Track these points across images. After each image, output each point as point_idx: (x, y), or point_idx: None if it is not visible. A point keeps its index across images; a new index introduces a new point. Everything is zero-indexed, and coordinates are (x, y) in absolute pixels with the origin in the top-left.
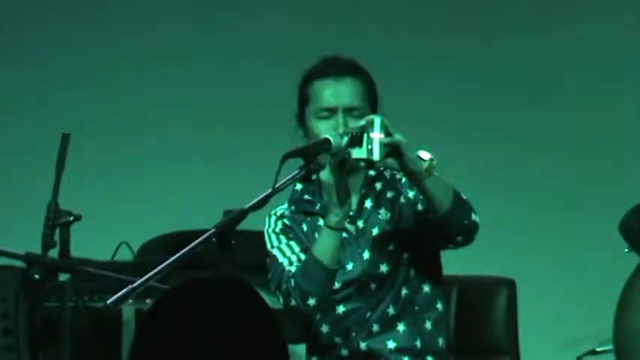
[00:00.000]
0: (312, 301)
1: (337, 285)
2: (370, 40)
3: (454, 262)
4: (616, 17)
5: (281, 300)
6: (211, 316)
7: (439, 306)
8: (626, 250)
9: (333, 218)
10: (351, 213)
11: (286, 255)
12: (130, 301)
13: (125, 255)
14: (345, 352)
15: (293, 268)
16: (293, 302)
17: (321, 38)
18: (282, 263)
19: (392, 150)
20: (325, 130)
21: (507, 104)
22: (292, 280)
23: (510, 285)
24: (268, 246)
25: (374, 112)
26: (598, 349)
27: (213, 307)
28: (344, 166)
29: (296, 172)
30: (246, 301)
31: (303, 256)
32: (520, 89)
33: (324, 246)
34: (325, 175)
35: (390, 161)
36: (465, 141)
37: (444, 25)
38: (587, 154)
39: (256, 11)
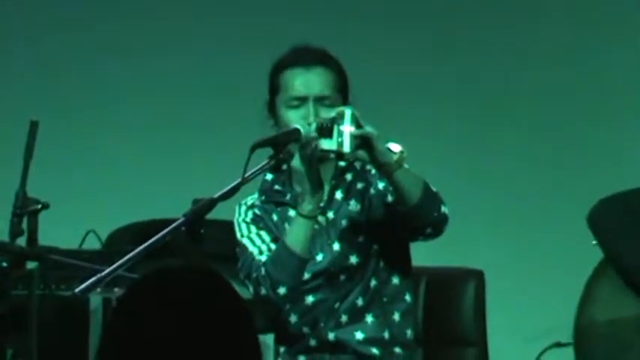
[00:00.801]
0: (282, 290)
1: (307, 276)
2: (352, 31)
3: (423, 254)
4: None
5: (250, 289)
6: (182, 305)
7: (408, 297)
8: (594, 242)
9: (307, 207)
10: (321, 204)
11: (256, 244)
12: (98, 289)
13: (93, 243)
14: (313, 342)
15: (263, 257)
16: (263, 291)
17: (296, 30)
18: (252, 252)
19: (362, 142)
20: (295, 119)
21: (479, 94)
22: (263, 269)
23: (479, 276)
24: (238, 235)
25: (345, 101)
26: (563, 342)
27: (184, 296)
28: (314, 156)
29: (265, 162)
30: (218, 290)
31: (273, 246)
32: (494, 79)
33: (297, 235)
34: (297, 162)
35: (361, 153)
36: (435, 132)
37: (436, 18)
38: (559, 144)
39: (229, 4)
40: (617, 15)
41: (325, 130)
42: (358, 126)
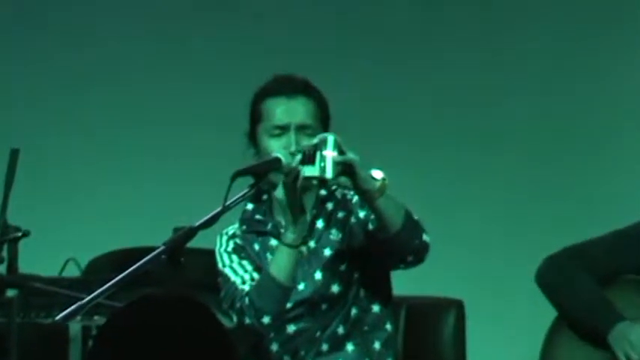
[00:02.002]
0: (266, 319)
1: (288, 305)
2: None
3: (403, 283)
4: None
5: (234, 319)
6: (166, 333)
7: (388, 326)
8: None
9: (290, 236)
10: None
11: (239, 274)
12: (78, 317)
13: (73, 271)
14: None
15: (246, 287)
16: (247, 320)
17: (272, 59)
18: (234, 282)
19: (345, 168)
20: (277, 147)
21: (459, 121)
22: (246, 299)
23: (459, 306)
24: (220, 265)
25: (325, 130)
26: None
27: (168, 325)
28: (296, 184)
29: (246, 191)
30: (201, 319)
31: (255, 275)
32: (479, 110)
33: (280, 264)
34: (279, 193)
35: (343, 179)
36: (414, 159)
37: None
38: (540, 172)
39: (211, 33)
40: (618, 39)
41: (308, 157)
42: (341, 152)
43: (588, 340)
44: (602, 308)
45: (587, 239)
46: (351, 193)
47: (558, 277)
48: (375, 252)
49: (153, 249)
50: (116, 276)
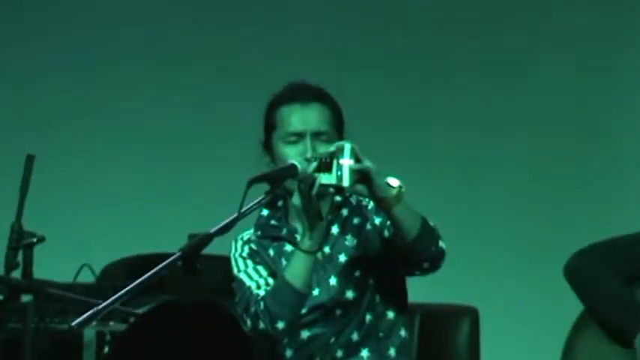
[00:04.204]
0: (281, 325)
1: (303, 310)
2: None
3: (418, 290)
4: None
5: (248, 323)
6: (188, 338)
7: (403, 332)
8: None
9: (307, 242)
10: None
11: (254, 279)
12: (94, 323)
13: (87, 277)
14: None
15: (262, 292)
16: (262, 325)
17: (291, 71)
18: (249, 287)
19: (361, 176)
20: (293, 155)
21: (469, 131)
22: (262, 303)
23: (473, 313)
24: (235, 270)
25: (340, 137)
26: None
27: (190, 330)
28: (312, 191)
29: (262, 197)
30: (223, 324)
31: (271, 280)
32: (482, 118)
33: (296, 270)
34: (296, 199)
35: (359, 187)
36: (427, 168)
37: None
38: (551, 182)
39: (232, 44)
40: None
41: (324, 165)
42: (357, 160)
43: (614, 339)
44: (630, 309)
45: (618, 236)
46: (367, 199)
47: (588, 274)
48: (391, 259)
49: (167, 255)
50: (130, 282)
